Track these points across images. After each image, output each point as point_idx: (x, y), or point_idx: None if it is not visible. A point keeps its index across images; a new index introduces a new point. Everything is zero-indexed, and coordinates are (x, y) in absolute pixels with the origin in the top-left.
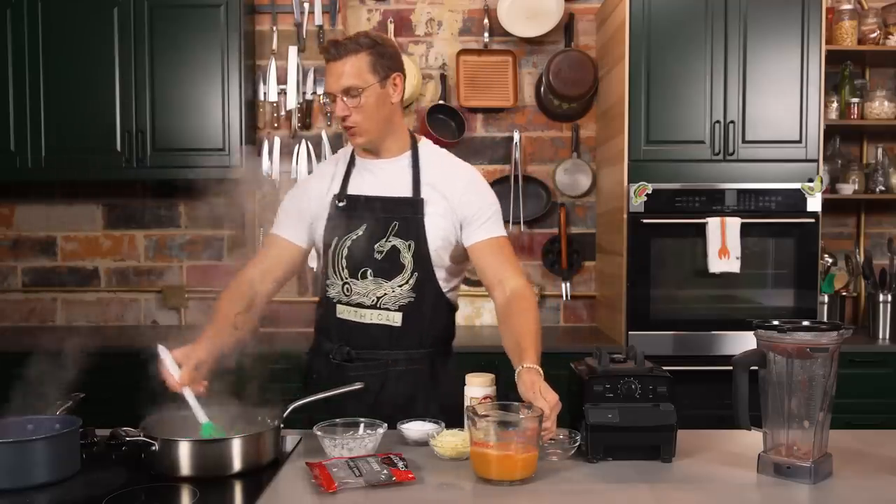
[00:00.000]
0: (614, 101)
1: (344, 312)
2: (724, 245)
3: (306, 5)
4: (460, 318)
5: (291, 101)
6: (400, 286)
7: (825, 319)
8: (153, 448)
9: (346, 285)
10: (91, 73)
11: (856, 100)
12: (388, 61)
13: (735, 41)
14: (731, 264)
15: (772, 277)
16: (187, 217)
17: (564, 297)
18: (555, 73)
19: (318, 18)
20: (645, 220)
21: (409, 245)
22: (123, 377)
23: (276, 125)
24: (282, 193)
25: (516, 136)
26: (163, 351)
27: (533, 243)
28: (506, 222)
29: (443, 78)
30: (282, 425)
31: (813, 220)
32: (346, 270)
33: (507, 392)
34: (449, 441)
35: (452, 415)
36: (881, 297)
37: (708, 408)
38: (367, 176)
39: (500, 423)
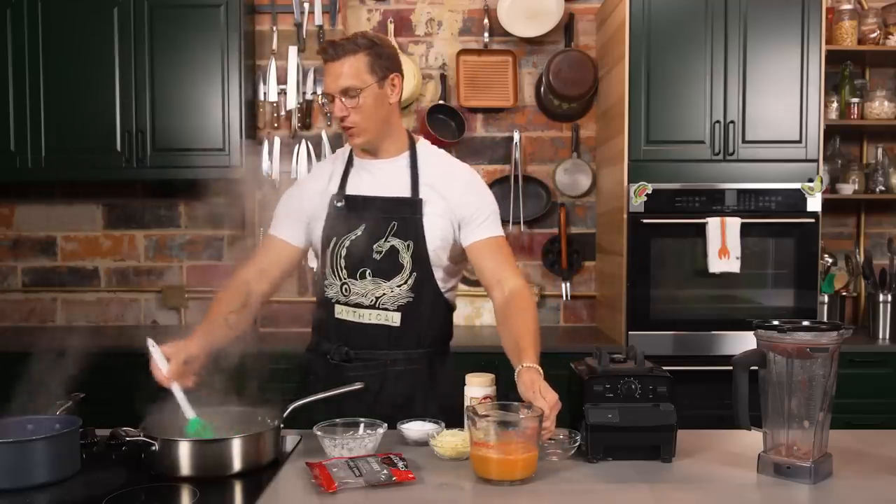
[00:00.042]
0: (614, 101)
1: (342, 312)
2: (724, 245)
3: (306, 5)
4: (460, 318)
5: (291, 101)
6: (399, 286)
7: (825, 319)
8: (153, 448)
9: (345, 285)
10: (91, 73)
11: (856, 100)
12: (386, 62)
13: (735, 41)
14: (731, 264)
15: (772, 277)
16: (187, 217)
17: (564, 297)
18: (555, 73)
19: (318, 18)
20: (645, 220)
21: (408, 245)
22: (123, 377)
23: (276, 125)
24: (282, 193)
25: (516, 136)
26: (152, 345)
27: (533, 243)
28: (506, 222)
29: (443, 78)
30: (282, 425)
31: (813, 220)
32: (344, 270)
33: (507, 392)
34: (449, 441)
35: (451, 415)
36: (881, 297)
37: (708, 408)
38: (365, 176)
39: (500, 423)
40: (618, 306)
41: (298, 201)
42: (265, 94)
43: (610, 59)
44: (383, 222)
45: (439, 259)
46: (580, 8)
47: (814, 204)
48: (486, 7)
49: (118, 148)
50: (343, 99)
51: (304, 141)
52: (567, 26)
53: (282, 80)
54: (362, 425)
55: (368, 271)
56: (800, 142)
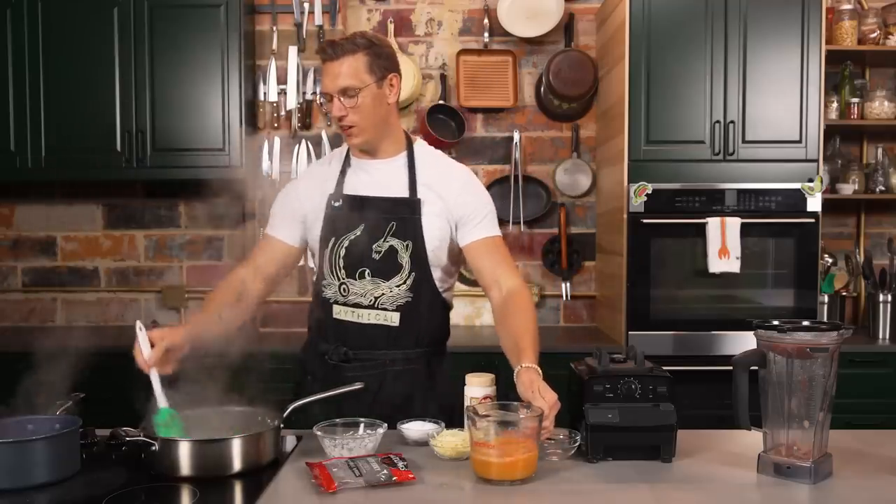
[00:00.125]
0: (614, 101)
1: (341, 313)
2: (724, 245)
3: (306, 5)
4: (460, 318)
5: (291, 101)
6: (398, 286)
7: (825, 319)
8: (153, 448)
9: (343, 285)
10: (91, 73)
11: (856, 100)
12: (384, 62)
13: (735, 41)
14: (731, 264)
15: (772, 277)
16: (187, 217)
17: (564, 297)
18: (555, 73)
19: (318, 18)
20: (645, 220)
21: (407, 245)
22: (123, 377)
23: (276, 125)
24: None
25: (516, 136)
26: (139, 328)
27: (533, 243)
28: (506, 222)
29: (443, 78)
30: (282, 425)
31: (813, 220)
32: (343, 270)
33: (506, 392)
34: (449, 441)
35: (450, 414)
36: (881, 297)
37: (708, 408)
38: (362, 176)
39: (500, 423)
40: (618, 306)
41: (292, 202)
42: (265, 94)
43: (610, 59)
44: (382, 222)
45: (438, 259)
46: (580, 8)
47: (814, 204)
48: (486, 7)
49: (118, 148)
50: (341, 99)
51: (304, 141)
52: (567, 26)
53: (282, 80)
54: (362, 425)
55: (367, 271)
56: (800, 142)
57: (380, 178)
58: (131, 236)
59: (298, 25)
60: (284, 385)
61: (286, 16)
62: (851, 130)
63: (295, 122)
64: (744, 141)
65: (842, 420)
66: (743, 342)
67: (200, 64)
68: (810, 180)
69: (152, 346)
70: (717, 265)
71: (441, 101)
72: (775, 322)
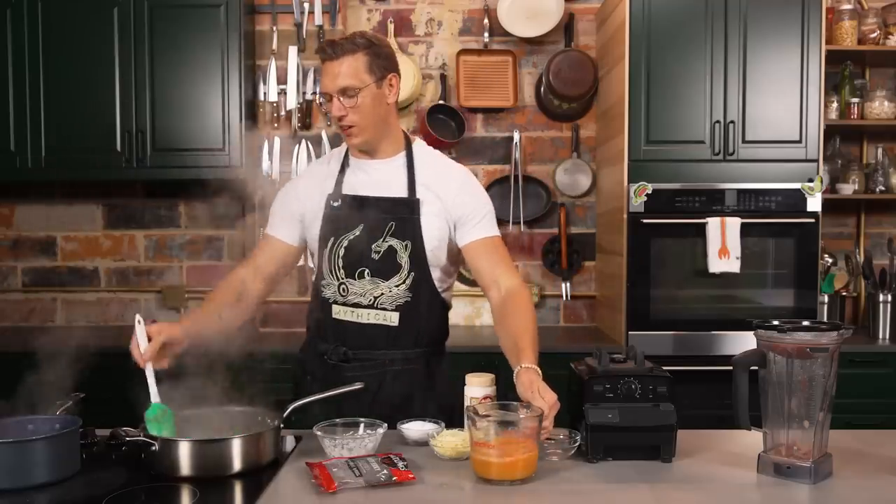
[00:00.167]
0: (614, 101)
1: (340, 313)
2: (724, 245)
3: (306, 5)
4: (460, 318)
5: (291, 101)
6: (397, 286)
7: (825, 319)
8: (153, 448)
9: (343, 285)
10: (91, 73)
11: (856, 100)
12: (384, 62)
13: (735, 41)
14: (731, 264)
15: (772, 277)
16: (187, 217)
17: (564, 297)
18: (555, 73)
19: (318, 18)
20: (645, 220)
21: (406, 245)
22: (123, 377)
23: (276, 125)
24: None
25: (516, 136)
26: (138, 321)
27: (533, 243)
28: (506, 222)
29: (443, 78)
30: (282, 425)
31: (813, 220)
32: (342, 270)
33: (506, 392)
34: (449, 441)
35: (449, 414)
36: (881, 297)
37: (708, 408)
38: (361, 176)
39: (500, 423)
40: (618, 306)
41: (293, 200)
42: (265, 94)
43: (610, 59)
44: (381, 222)
45: (436, 259)
46: (580, 8)
47: (814, 204)
48: (486, 7)
49: (118, 148)
50: (341, 98)
51: (304, 141)
52: (567, 26)
53: (282, 80)
54: (362, 425)
55: (367, 271)
56: (800, 142)
57: (379, 178)
58: (131, 236)
59: (298, 25)
60: (284, 385)
61: (286, 16)
62: (851, 130)
63: (295, 122)
64: (744, 141)
65: (842, 420)
66: (743, 342)
67: (200, 64)
68: (810, 180)
69: (150, 340)
70: (717, 265)
71: (441, 101)
72: (775, 322)
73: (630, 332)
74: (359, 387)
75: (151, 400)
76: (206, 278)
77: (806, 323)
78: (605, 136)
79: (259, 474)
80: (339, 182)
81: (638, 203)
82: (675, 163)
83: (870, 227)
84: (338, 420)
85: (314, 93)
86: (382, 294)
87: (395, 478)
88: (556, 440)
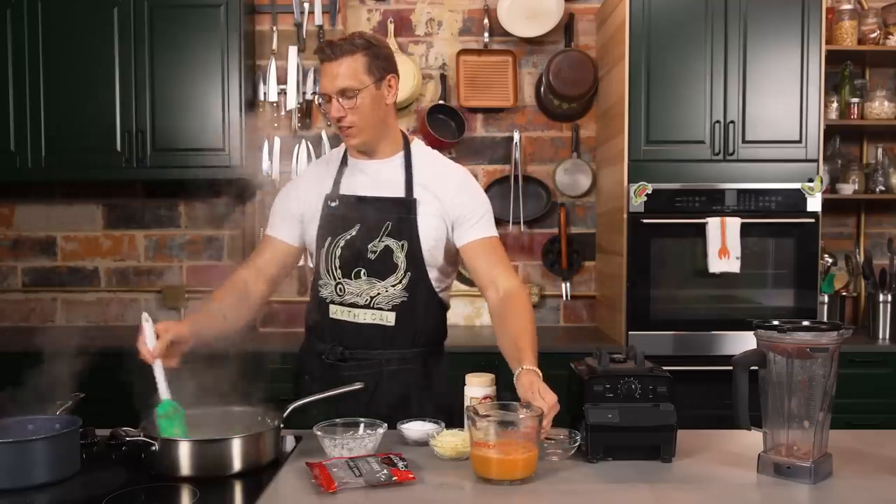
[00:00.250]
0: (614, 101)
1: (337, 312)
2: (724, 245)
3: (306, 5)
4: (460, 318)
5: (291, 101)
6: (393, 286)
7: (825, 319)
8: (153, 448)
9: (340, 285)
10: (91, 73)
11: (856, 100)
12: (383, 62)
13: (735, 41)
14: (731, 264)
15: (772, 277)
16: (187, 217)
17: (564, 297)
18: (555, 73)
19: (318, 18)
20: (645, 220)
21: (402, 245)
22: (123, 377)
23: (276, 125)
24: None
25: (516, 136)
26: (146, 319)
27: (533, 243)
28: (506, 222)
29: (443, 78)
30: (282, 425)
31: (813, 220)
32: (339, 270)
33: (505, 393)
34: (449, 441)
35: (446, 414)
36: (881, 297)
37: (708, 408)
38: (359, 176)
39: (500, 423)
40: (618, 306)
41: (292, 200)
42: (265, 94)
43: (610, 59)
44: (378, 222)
45: (433, 259)
46: (580, 8)
47: (814, 204)
48: (486, 7)
49: (118, 148)
50: (340, 99)
51: (304, 141)
52: (567, 26)
53: (282, 80)
54: (362, 425)
55: (363, 271)
56: (800, 142)
57: (377, 178)
58: (131, 236)
59: (298, 25)
60: (284, 385)
61: (286, 16)
62: (851, 130)
63: (295, 122)
64: (744, 141)
65: (842, 420)
66: (743, 342)
67: (200, 64)
68: (810, 180)
69: (157, 338)
70: (717, 265)
71: (441, 101)
72: (775, 322)
73: (630, 332)
74: (359, 387)
75: (161, 397)
76: (206, 278)
77: (806, 323)
78: (605, 136)
79: (259, 474)
80: (337, 182)
81: (638, 203)
82: (675, 163)
83: (870, 227)
84: (338, 420)
85: (314, 93)
86: (379, 294)
87: (395, 478)
88: (556, 440)
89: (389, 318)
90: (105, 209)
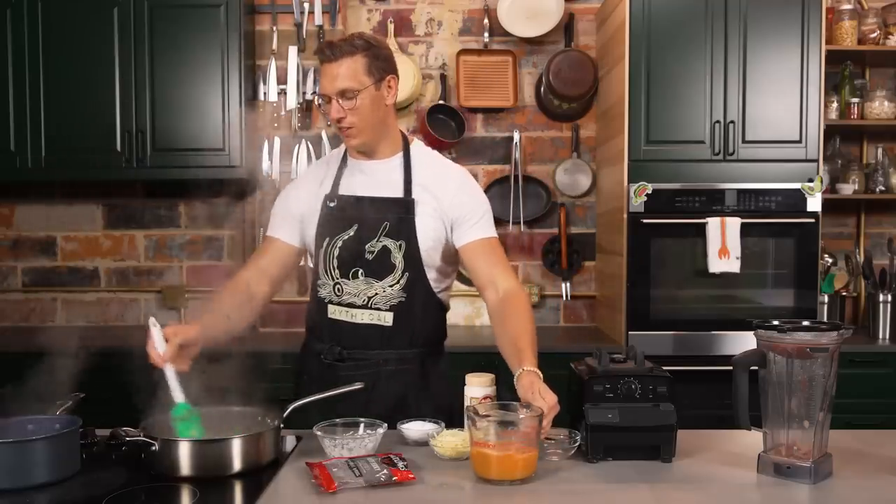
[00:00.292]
0: (614, 101)
1: (335, 312)
2: (724, 245)
3: (306, 5)
4: (460, 318)
5: (291, 101)
6: (391, 286)
7: (825, 319)
8: (153, 448)
9: (338, 285)
10: (91, 73)
11: (856, 100)
12: (382, 63)
13: (735, 41)
14: (731, 264)
15: (772, 277)
16: (187, 217)
17: (564, 297)
18: (555, 73)
19: (318, 18)
20: (645, 220)
21: (400, 245)
22: (123, 377)
23: (276, 125)
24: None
25: (516, 136)
26: (153, 324)
27: (533, 243)
28: (506, 222)
29: (443, 78)
30: (282, 425)
31: (813, 220)
32: (337, 270)
33: (506, 393)
34: (449, 441)
35: (445, 415)
36: (881, 297)
37: (708, 408)
38: (359, 176)
39: (500, 423)
40: (618, 306)
41: (293, 201)
42: (265, 94)
43: (610, 59)
44: (375, 222)
45: (432, 259)
46: (580, 8)
47: (814, 204)
48: (486, 7)
49: (118, 148)
50: (340, 100)
51: (304, 141)
52: (567, 26)
53: (282, 80)
54: (362, 425)
55: (361, 271)
56: (800, 142)
57: (376, 178)
58: (131, 236)
59: (298, 25)
60: (284, 385)
61: (286, 16)
62: (851, 130)
63: (295, 122)
64: (744, 141)
65: (842, 420)
66: (743, 342)
67: (200, 64)
68: (810, 180)
69: (166, 341)
70: (717, 265)
71: (441, 101)
72: (775, 322)
73: (630, 332)
74: (358, 386)
75: (175, 400)
76: (206, 278)
77: (806, 323)
78: (605, 136)
79: (259, 474)
80: (336, 183)
81: (638, 203)
82: (675, 163)
83: (870, 227)
84: (338, 420)
85: (314, 93)
86: (376, 294)
87: (395, 478)
88: (556, 440)
89: (387, 319)
90: (105, 209)
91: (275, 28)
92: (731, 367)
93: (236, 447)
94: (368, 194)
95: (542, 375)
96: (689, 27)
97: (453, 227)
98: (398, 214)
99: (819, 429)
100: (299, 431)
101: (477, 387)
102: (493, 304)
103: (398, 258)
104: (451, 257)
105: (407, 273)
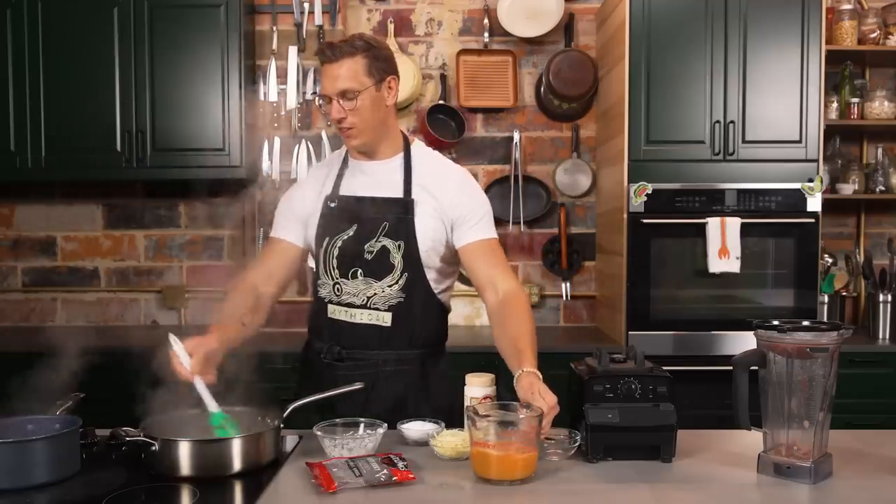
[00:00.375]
0: (614, 101)
1: (335, 312)
2: (724, 245)
3: (306, 5)
4: (460, 318)
5: (291, 101)
6: (389, 286)
7: (825, 319)
8: (153, 448)
9: (337, 285)
10: (91, 73)
11: (856, 100)
12: (383, 64)
13: (735, 41)
14: (731, 264)
15: (772, 277)
16: (187, 217)
17: (564, 297)
18: (555, 73)
19: (318, 18)
20: (645, 220)
21: (399, 245)
22: (123, 377)
23: (276, 125)
24: (281, 193)
25: (516, 136)
26: (174, 341)
27: (533, 243)
28: (506, 222)
29: (443, 78)
30: (282, 425)
31: (813, 220)
32: (336, 270)
33: (506, 393)
34: (449, 441)
35: (444, 416)
36: (881, 297)
37: (708, 408)
38: (359, 177)
39: (500, 423)
40: (618, 306)
41: (297, 202)
42: (265, 94)
43: (610, 59)
44: (374, 222)
45: (431, 260)
46: (580, 8)
47: (814, 204)
48: (486, 7)
49: (118, 148)
50: (341, 101)
51: (303, 141)
52: (567, 26)
53: (282, 80)
54: (362, 425)
55: (360, 271)
56: (800, 142)
57: (376, 178)
58: (131, 236)
59: (298, 25)
60: (285, 385)
61: (286, 16)
62: (851, 130)
63: (295, 122)
64: (744, 141)
65: (842, 420)
66: (743, 342)
67: (200, 64)
68: (810, 180)
69: (189, 356)
70: (717, 265)
71: (441, 101)
72: (775, 322)
73: (630, 332)
74: (358, 386)
75: (210, 410)
76: (206, 278)
77: (806, 323)
78: (605, 136)
79: (259, 474)
80: (337, 183)
81: (638, 203)
82: (675, 163)
83: (870, 227)
84: (338, 420)
85: (314, 93)
86: (375, 294)
87: (395, 478)
88: (556, 440)
89: (386, 319)
90: (105, 209)
91: (275, 28)
92: (731, 367)
93: (236, 447)
94: (369, 195)
95: (541, 376)
96: (689, 27)
97: (453, 227)
98: (397, 214)
99: (819, 429)
100: (299, 431)
101: (477, 387)
102: (493, 305)
103: (397, 258)
104: (452, 258)
105: (406, 273)
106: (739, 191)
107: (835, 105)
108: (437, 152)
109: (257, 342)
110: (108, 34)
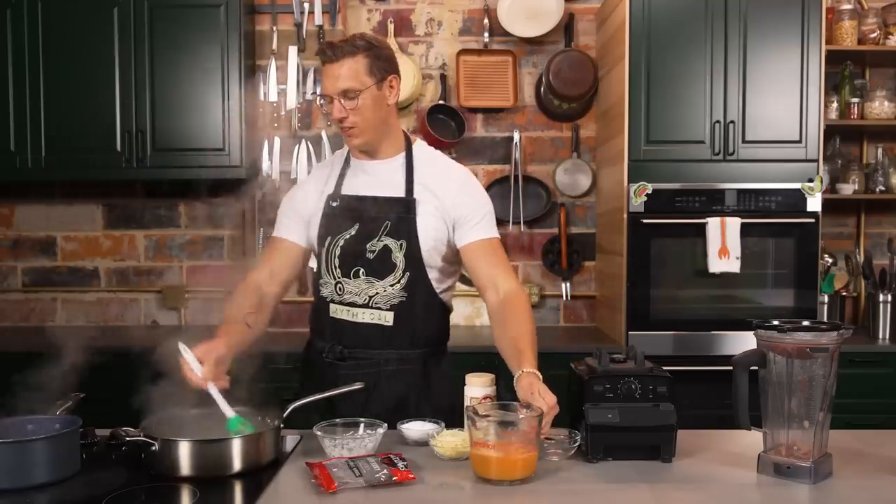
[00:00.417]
0: (614, 101)
1: (337, 311)
2: (724, 245)
3: (306, 5)
4: (461, 318)
5: (291, 101)
6: (391, 286)
7: (825, 319)
8: (153, 448)
9: (339, 284)
10: (91, 73)
11: (856, 100)
12: (384, 63)
13: (735, 41)
14: (731, 264)
15: (772, 277)
16: (187, 217)
17: (564, 297)
18: (555, 73)
19: (318, 18)
20: (645, 220)
21: (401, 245)
22: (123, 377)
23: (276, 125)
24: (281, 193)
25: (516, 136)
26: (184, 349)
27: (533, 243)
28: (506, 222)
29: (443, 78)
30: (282, 425)
31: (813, 220)
32: (338, 269)
33: (506, 393)
34: (449, 441)
35: (445, 416)
36: (881, 297)
37: (708, 408)
38: (361, 176)
39: (500, 423)
40: (618, 306)
41: (299, 202)
42: (265, 94)
43: (610, 59)
44: (376, 222)
45: (433, 259)
46: (580, 8)
47: (814, 204)
48: (486, 7)
49: (118, 148)
50: (342, 101)
51: (304, 141)
52: (567, 26)
53: (282, 80)
54: (362, 425)
55: (362, 270)
56: (800, 142)
57: (378, 178)
58: (131, 236)
59: (298, 25)
60: (285, 385)
61: (286, 16)
62: (851, 130)
63: (295, 122)
64: (744, 141)
65: (842, 420)
66: (743, 342)
67: (200, 64)
68: (810, 180)
69: (200, 362)
70: (717, 265)
71: (441, 101)
72: (775, 322)
73: (630, 332)
74: (359, 386)
75: (227, 415)
76: (206, 278)
77: (806, 323)
78: (605, 136)
79: (259, 474)
80: (339, 183)
81: (638, 203)
82: (675, 163)
83: (870, 227)
84: (338, 420)
85: (314, 93)
86: (377, 293)
87: (395, 478)
88: (556, 440)
89: (387, 318)
90: (105, 209)
91: (275, 28)
92: (731, 367)
93: (236, 447)
94: (371, 194)
95: (541, 376)
96: (689, 27)
97: (455, 227)
98: (399, 214)
99: (819, 429)
100: (299, 431)
101: (477, 387)
102: (494, 305)
103: (399, 258)
104: (453, 257)
105: (408, 273)
106: (739, 191)
107: (835, 105)
108: (438, 152)
109: (260, 343)
110: (108, 34)
